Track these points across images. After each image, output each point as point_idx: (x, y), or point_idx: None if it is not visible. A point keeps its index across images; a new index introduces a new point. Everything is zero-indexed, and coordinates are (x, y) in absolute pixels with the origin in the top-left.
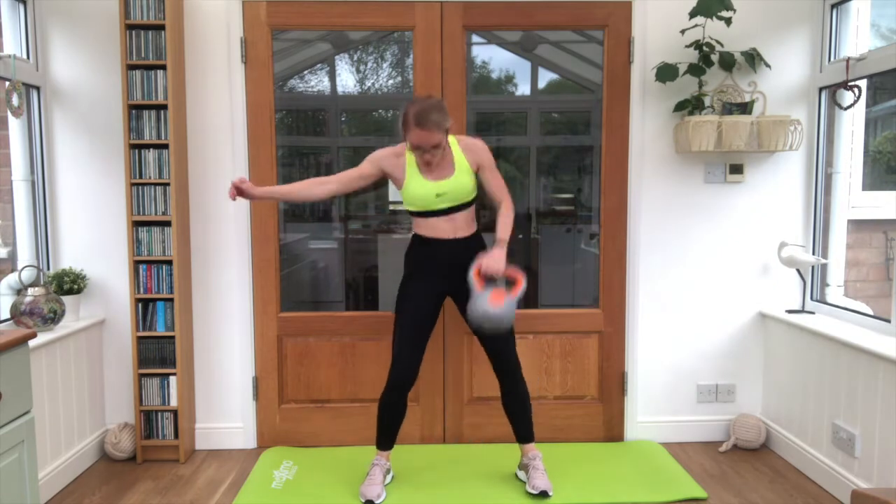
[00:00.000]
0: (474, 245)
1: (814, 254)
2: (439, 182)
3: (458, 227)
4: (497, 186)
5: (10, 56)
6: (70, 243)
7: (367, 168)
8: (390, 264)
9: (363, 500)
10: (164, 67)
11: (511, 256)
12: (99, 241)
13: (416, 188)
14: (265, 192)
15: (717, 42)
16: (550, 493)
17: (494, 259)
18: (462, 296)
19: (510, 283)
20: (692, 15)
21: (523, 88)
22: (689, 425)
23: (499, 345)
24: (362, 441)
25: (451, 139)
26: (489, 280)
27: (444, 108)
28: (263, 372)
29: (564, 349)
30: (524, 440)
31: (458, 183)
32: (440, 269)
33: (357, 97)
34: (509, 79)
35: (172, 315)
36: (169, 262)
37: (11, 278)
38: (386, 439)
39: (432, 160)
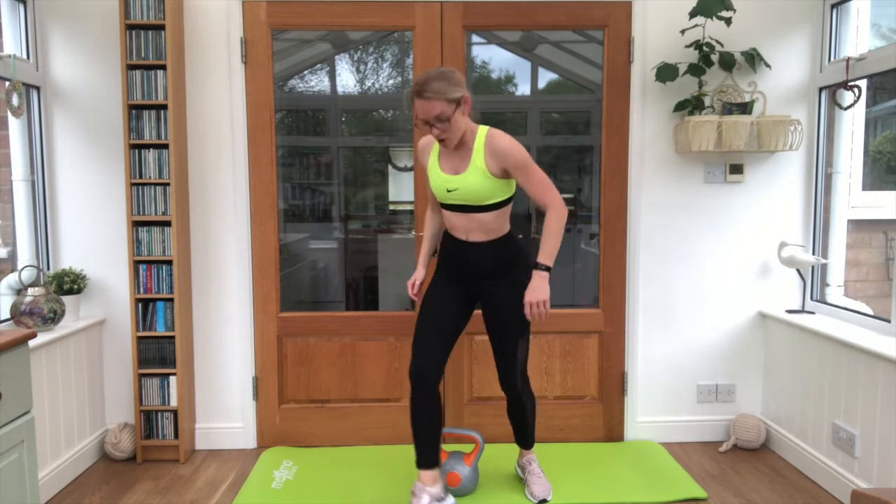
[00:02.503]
0: (490, 254)
1: (814, 254)
2: (452, 176)
3: (471, 229)
4: (534, 190)
5: (10, 56)
6: (70, 243)
7: (419, 160)
8: (390, 264)
9: None
10: (164, 67)
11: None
12: (99, 241)
13: (433, 176)
14: (426, 260)
15: (717, 42)
16: (549, 498)
17: (533, 290)
18: (476, 301)
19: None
20: (692, 15)
21: (523, 88)
22: (689, 425)
23: (503, 363)
24: (362, 441)
25: (482, 132)
26: (452, 453)
27: (453, 77)
28: (263, 372)
29: (564, 349)
30: (522, 446)
31: (468, 182)
32: (457, 269)
33: (357, 97)
34: (509, 79)
35: (172, 315)
36: (169, 262)
37: (11, 278)
38: (421, 452)
39: (442, 136)
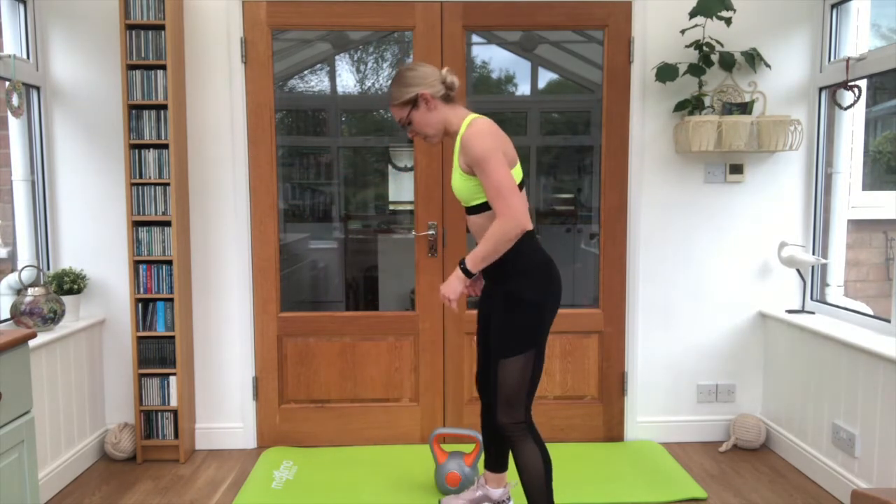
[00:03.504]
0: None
1: (814, 254)
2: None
3: (475, 232)
4: (487, 192)
5: (10, 56)
6: (70, 243)
7: None
8: (390, 264)
9: None
10: (164, 67)
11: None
12: (99, 241)
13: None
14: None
15: (717, 42)
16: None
17: (446, 282)
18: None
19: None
20: (692, 15)
21: (523, 88)
22: (689, 425)
23: (488, 386)
24: (362, 441)
25: (465, 123)
26: (452, 453)
27: (404, 78)
28: (263, 372)
29: (564, 349)
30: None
31: (453, 181)
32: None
33: (357, 97)
34: (509, 79)
35: (172, 315)
36: (169, 262)
37: (11, 278)
38: (487, 456)
39: (415, 136)
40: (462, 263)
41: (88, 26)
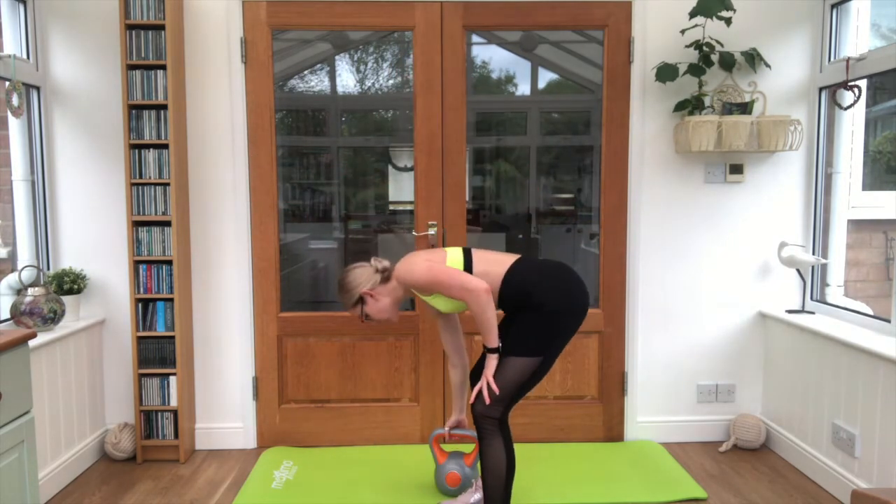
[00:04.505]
0: (505, 309)
1: (814, 254)
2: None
3: (494, 298)
4: (452, 294)
5: (10, 56)
6: (70, 243)
7: None
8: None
9: None
10: (164, 67)
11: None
12: (99, 241)
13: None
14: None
15: (717, 42)
16: None
17: (492, 371)
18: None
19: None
20: (692, 15)
21: (523, 88)
22: (689, 425)
23: (478, 376)
24: (362, 441)
25: (403, 279)
26: (452, 453)
27: (343, 285)
28: (263, 372)
29: (564, 349)
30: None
31: (441, 307)
32: None
33: (357, 97)
34: (509, 79)
35: (172, 315)
36: (169, 262)
37: (11, 278)
38: None
39: (380, 322)
40: (487, 349)
41: (88, 26)
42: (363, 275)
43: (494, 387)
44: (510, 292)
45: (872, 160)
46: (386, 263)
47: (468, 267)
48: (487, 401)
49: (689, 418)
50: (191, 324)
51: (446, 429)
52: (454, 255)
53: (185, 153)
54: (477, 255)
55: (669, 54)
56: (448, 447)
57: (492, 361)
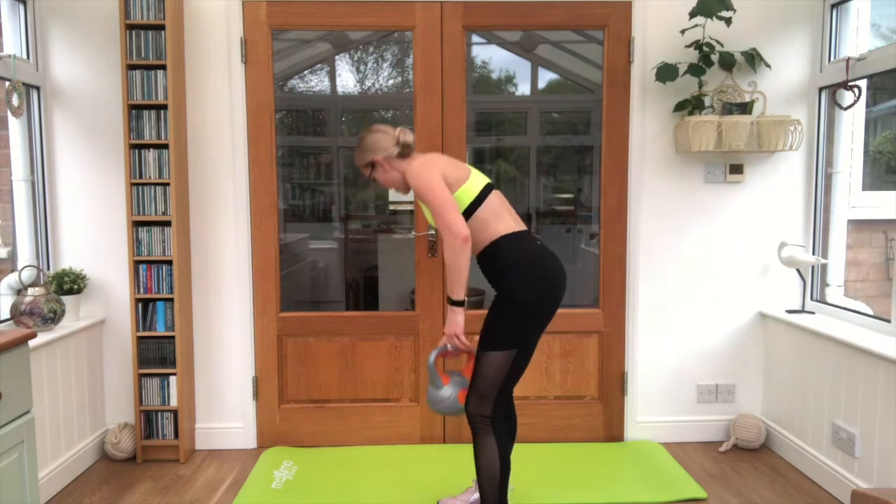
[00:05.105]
0: (484, 269)
1: (814, 254)
2: None
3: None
4: (433, 215)
5: (10, 56)
6: (70, 243)
7: None
8: (390, 264)
9: None
10: (164, 67)
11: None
12: (99, 241)
13: None
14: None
15: (717, 42)
16: None
17: (448, 325)
18: None
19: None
20: (692, 15)
21: (523, 88)
22: (689, 425)
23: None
24: (362, 441)
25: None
26: (453, 373)
27: (364, 143)
28: (263, 372)
29: (564, 349)
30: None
31: (424, 211)
32: None
33: (357, 97)
34: (509, 79)
35: (172, 315)
36: (169, 262)
37: (11, 278)
38: None
39: (380, 186)
40: (449, 300)
41: (88, 26)
42: (383, 142)
43: (454, 338)
44: (489, 259)
45: (872, 160)
46: (410, 139)
47: (475, 205)
48: (468, 406)
49: (689, 418)
50: (191, 324)
51: (448, 345)
52: (472, 186)
53: (185, 153)
54: (492, 200)
55: (669, 54)
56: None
57: (454, 316)
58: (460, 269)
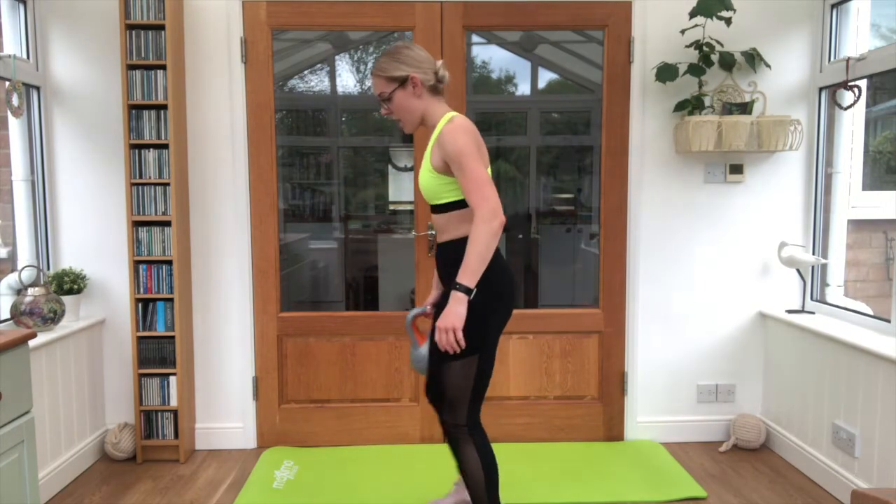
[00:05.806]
0: (443, 258)
1: (814, 254)
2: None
3: (438, 229)
4: (464, 188)
5: (10, 56)
6: (70, 243)
7: None
8: (390, 264)
9: None
10: (164, 67)
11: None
12: (99, 241)
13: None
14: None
15: (717, 42)
16: None
17: (445, 314)
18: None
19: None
20: (692, 15)
21: (523, 88)
22: (689, 425)
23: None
24: (362, 441)
25: (444, 119)
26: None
27: (400, 55)
28: (263, 372)
29: (564, 349)
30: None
31: (420, 177)
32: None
33: (357, 97)
34: (509, 79)
35: (172, 315)
36: (169, 262)
37: (11, 278)
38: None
39: (389, 116)
40: (457, 285)
41: (88, 26)
42: (426, 62)
43: (452, 331)
44: (457, 249)
45: (872, 160)
46: (447, 75)
47: None
48: (443, 416)
49: (689, 418)
50: (191, 324)
51: (427, 306)
52: (489, 174)
53: (185, 153)
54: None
55: (669, 54)
56: (423, 327)
57: (458, 307)
58: (490, 250)
